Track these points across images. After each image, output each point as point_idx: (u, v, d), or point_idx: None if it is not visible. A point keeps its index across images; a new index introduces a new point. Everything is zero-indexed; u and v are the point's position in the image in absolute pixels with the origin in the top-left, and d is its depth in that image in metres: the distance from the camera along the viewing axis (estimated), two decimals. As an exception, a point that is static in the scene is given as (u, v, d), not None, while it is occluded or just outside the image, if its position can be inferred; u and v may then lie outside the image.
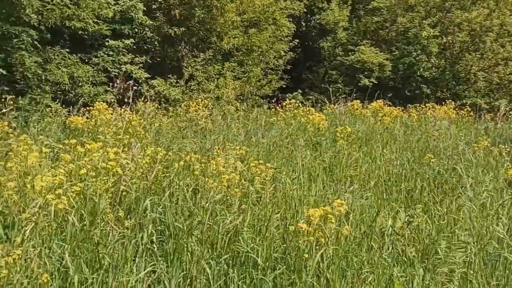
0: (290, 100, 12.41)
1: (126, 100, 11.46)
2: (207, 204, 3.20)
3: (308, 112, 8.30)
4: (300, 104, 9.33)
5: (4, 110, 6.66)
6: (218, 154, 4.30)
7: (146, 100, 10.06)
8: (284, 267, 2.91)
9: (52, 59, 9.12)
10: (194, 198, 3.54)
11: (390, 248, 3.42)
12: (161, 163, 3.90)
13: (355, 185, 4.45)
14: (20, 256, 2.70)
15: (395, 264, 3.24)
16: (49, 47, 9.30)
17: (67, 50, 9.63)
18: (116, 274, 2.78)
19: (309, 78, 18.96)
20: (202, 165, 3.93)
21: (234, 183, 3.61)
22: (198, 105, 9.02)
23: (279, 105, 13.39)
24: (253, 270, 2.93)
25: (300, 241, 3.02)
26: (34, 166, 3.37)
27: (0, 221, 3.33)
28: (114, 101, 10.42)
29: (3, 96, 7.22)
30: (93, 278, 2.81)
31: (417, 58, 16.55)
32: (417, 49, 16.55)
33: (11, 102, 7.01)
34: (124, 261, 2.87)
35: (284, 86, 16.53)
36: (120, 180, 3.52)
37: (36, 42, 8.07)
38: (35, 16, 8.02)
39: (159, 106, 9.79)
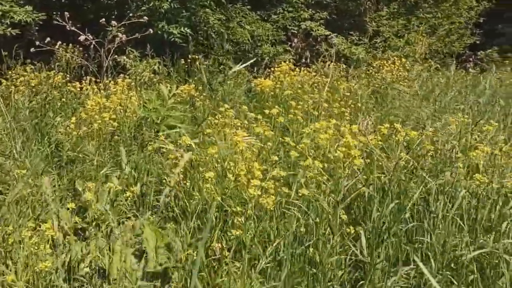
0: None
1: (304, 60, 10.44)
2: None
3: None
4: None
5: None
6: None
7: (325, 60, 8.89)
8: None
9: (234, 17, 8.37)
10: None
11: None
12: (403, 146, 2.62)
13: None
14: None
15: None
16: (230, 4, 8.59)
17: (248, 7, 8.81)
18: None
19: (507, 32, 15.73)
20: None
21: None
22: (394, 64, 7.46)
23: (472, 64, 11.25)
24: None
25: None
26: (238, 149, 2.39)
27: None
28: (293, 61, 9.47)
29: (189, 56, 6.65)
30: None
31: None
32: None
33: (197, 63, 6.40)
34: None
35: (477, 42, 13.86)
36: (351, 177, 2.35)
37: (219, -1, 7.34)
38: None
39: (344, 67, 8.48)
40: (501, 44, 15.02)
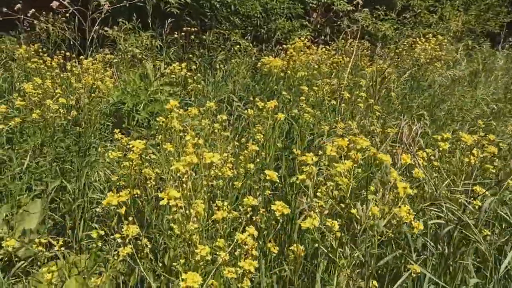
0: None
1: (323, 37, 9.19)
2: None
3: None
4: None
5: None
6: None
7: (347, 37, 7.67)
8: None
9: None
10: None
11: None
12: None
13: None
14: None
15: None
16: (241, -28, 7.36)
17: (261, -25, 7.57)
18: None
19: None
20: None
21: None
22: (428, 43, 6.18)
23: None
24: None
25: None
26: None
27: None
28: (311, 38, 8.28)
29: (184, 29, 5.51)
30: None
31: None
32: None
33: (192, 37, 5.25)
34: None
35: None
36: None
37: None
38: None
39: (368, 45, 7.24)
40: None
